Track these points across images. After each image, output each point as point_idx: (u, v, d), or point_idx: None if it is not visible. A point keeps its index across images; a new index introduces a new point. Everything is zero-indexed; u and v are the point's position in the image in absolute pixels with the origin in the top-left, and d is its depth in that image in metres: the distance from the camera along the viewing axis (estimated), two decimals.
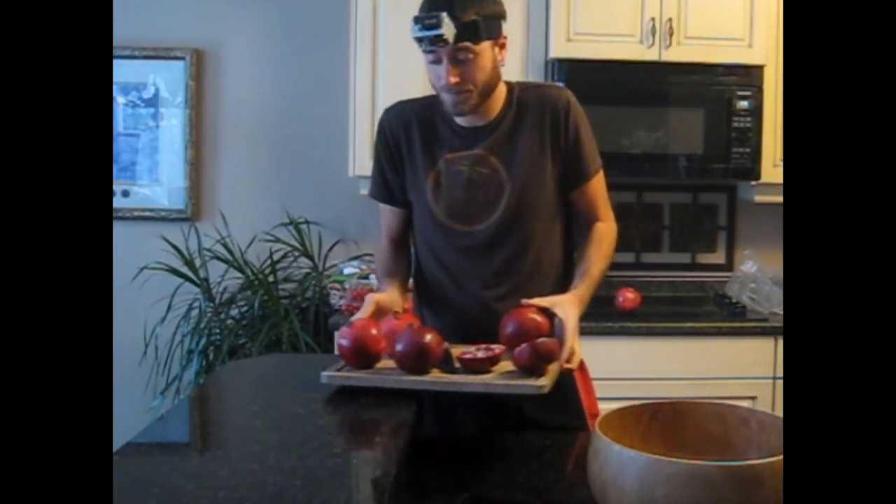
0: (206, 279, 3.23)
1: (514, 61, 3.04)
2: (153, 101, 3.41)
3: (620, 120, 3.07)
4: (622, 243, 3.37)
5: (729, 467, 1.12)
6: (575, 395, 1.91)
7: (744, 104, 3.08)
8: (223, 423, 1.59)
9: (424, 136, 1.91)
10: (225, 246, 3.29)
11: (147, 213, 3.42)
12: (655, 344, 2.96)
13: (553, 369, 1.62)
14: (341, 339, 1.66)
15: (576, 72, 3.03)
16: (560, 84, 2.99)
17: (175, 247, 3.24)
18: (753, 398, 2.93)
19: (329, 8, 3.37)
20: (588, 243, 1.92)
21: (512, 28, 3.02)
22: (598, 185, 1.94)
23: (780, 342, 2.96)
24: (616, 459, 1.15)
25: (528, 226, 1.88)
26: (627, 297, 3.15)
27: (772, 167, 3.15)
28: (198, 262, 3.24)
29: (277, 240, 3.34)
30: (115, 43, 3.15)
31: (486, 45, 1.77)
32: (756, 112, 3.09)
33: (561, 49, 3.05)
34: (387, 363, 1.66)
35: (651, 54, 3.06)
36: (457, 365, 1.64)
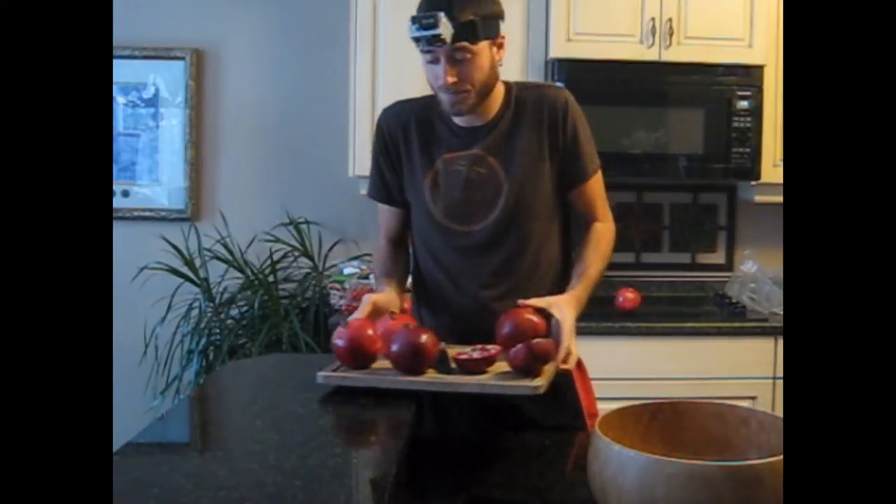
0: (206, 279, 3.23)
1: (514, 61, 3.05)
2: (153, 101, 3.41)
3: (620, 120, 3.07)
4: (622, 243, 3.39)
5: (729, 467, 1.12)
6: (574, 395, 1.91)
7: (744, 104, 3.08)
8: (223, 423, 1.59)
9: (422, 136, 1.91)
10: (225, 246, 3.29)
11: (147, 213, 3.42)
12: (655, 344, 2.96)
13: (549, 370, 1.62)
14: (337, 339, 1.66)
15: (576, 72, 3.03)
16: (560, 84, 2.99)
17: (175, 247, 3.24)
18: (753, 398, 2.93)
19: (329, 8, 3.37)
20: (586, 244, 1.92)
21: (512, 28, 3.05)
22: (596, 186, 1.94)
23: (780, 342, 2.96)
24: (616, 459, 1.15)
25: (526, 226, 1.88)
26: (627, 297, 3.15)
27: (772, 167, 3.15)
28: (198, 262, 3.24)
29: (277, 240, 3.34)
30: (115, 43, 3.15)
31: (483, 45, 1.77)
32: (756, 112, 3.09)
33: (561, 49, 3.05)
34: (383, 363, 1.66)
35: (651, 54, 3.06)
36: (453, 365, 1.64)
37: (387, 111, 1.98)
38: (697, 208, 3.52)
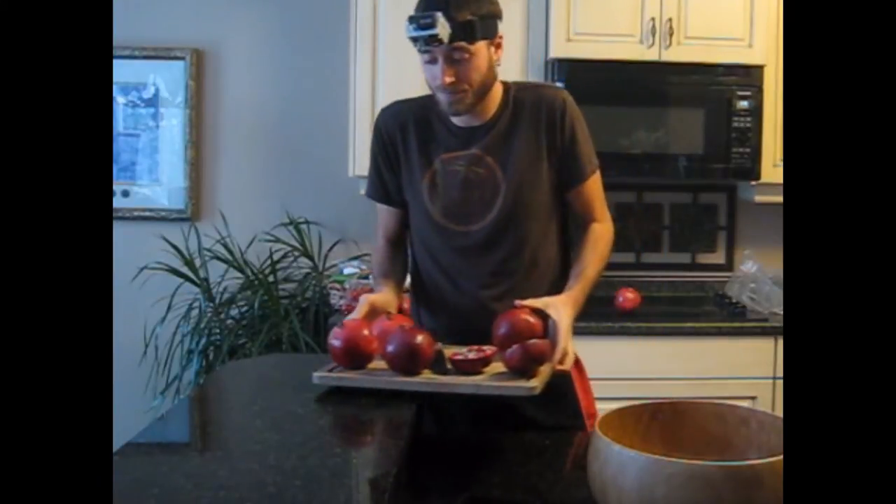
0: (206, 279, 3.23)
1: (514, 61, 3.05)
2: (153, 101, 3.41)
3: (620, 120, 3.07)
4: (622, 243, 3.42)
5: (729, 467, 1.12)
6: (572, 395, 1.91)
7: (744, 104, 3.08)
8: (223, 423, 1.59)
9: (421, 136, 1.91)
10: (225, 246, 3.29)
11: (147, 213, 3.42)
12: (655, 344, 2.96)
13: (545, 370, 1.62)
14: (333, 339, 1.66)
15: (576, 72, 3.03)
16: (559, 84, 2.99)
17: (175, 247, 3.24)
18: (753, 398, 2.93)
19: (329, 8, 3.37)
20: (584, 244, 1.91)
21: (512, 28, 3.05)
22: (594, 186, 1.94)
23: (780, 342, 2.96)
24: (616, 459, 1.15)
25: (525, 226, 1.88)
26: (627, 297, 3.15)
27: (772, 167, 3.15)
28: (198, 262, 3.24)
29: (277, 240, 3.34)
30: (115, 43, 3.15)
31: (481, 45, 1.77)
32: (756, 112, 3.09)
33: (561, 49, 3.05)
34: (379, 364, 1.65)
35: (651, 54, 3.06)
36: (448, 366, 1.64)
37: (385, 111, 1.98)
38: (697, 208, 3.52)
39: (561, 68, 3.04)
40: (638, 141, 3.08)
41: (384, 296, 1.88)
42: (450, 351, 1.66)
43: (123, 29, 3.17)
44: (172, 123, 3.41)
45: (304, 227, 3.38)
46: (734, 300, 3.24)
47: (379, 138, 1.96)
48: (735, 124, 3.08)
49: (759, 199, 3.23)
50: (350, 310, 1.97)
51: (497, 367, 1.64)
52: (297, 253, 3.35)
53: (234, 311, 3.25)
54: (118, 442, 1.28)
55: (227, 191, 3.45)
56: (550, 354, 1.64)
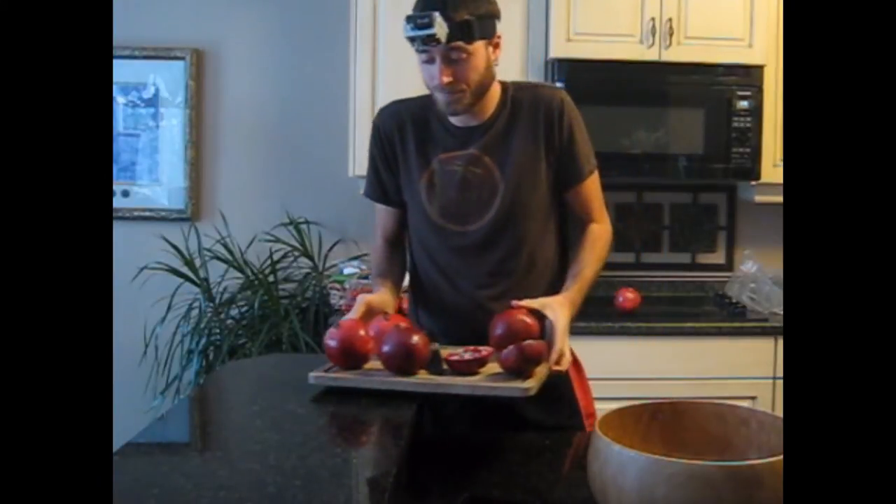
0: (206, 279, 3.23)
1: (514, 61, 3.05)
2: (153, 101, 3.41)
3: (620, 120, 3.07)
4: (622, 243, 3.43)
5: (729, 467, 1.12)
6: (571, 395, 1.91)
7: (744, 104, 3.08)
8: (223, 423, 1.59)
9: (418, 136, 1.91)
10: (225, 246, 3.29)
11: (147, 213, 3.42)
12: (655, 344, 2.96)
13: (540, 371, 1.61)
14: (329, 339, 1.66)
15: (576, 72, 3.03)
16: (559, 84, 2.99)
17: (175, 247, 3.24)
18: (753, 398, 2.93)
19: (329, 8, 3.37)
20: (581, 245, 1.91)
21: (512, 28, 3.05)
22: (592, 186, 1.94)
23: (780, 342, 2.96)
24: (616, 459, 1.15)
25: (522, 226, 1.88)
26: (627, 297, 3.15)
27: (772, 167, 3.15)
28: (198, 262, 3.24)
29: (277, 240, 3.34)
30: (115, 43, 3.14)
31: (479, 45, 1.76)
32: (756, 112, 3.09)
33: (561, 49, 3.05)
34: (376, 364, 1.65)
35: (651, 54, 3.06)
36: (444, 366, 1.63)
37: (383, 111, 1.98)
38: (697, 208, 3.52)
39: (561, 68, 3.04)
40: (638, 141, 3.08)
41: (381, 296, 1.88)
42: (446, 351, 1.66)
43: (123, 29, 3.17)
44: (172, 123, 3.41)
45: (304, 227, 3.38)
46: (734, 300, 3.24)
47: (377, 138, 1.96)
48: (735, 124, 3.08)
49: (759, 199, 3.23)
50: (350, 310, 1.97)
51: (493, 367, 1.64)
52: (297, 253, 3.35)
53: (234, 311, 3.25)
54: (118, 442, 1.28)
55: (227, 191, 3.45)
56: (546, 355, 1.64)
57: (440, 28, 1.69)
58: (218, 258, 3.25)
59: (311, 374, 1.62)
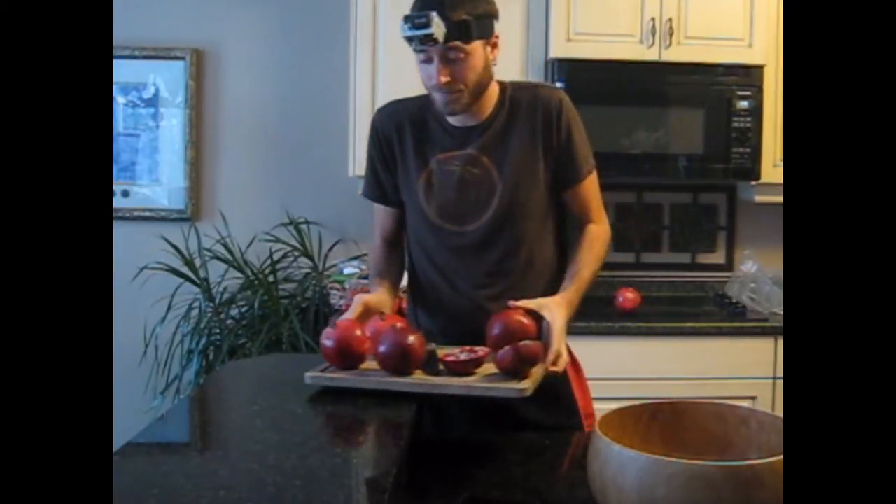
0: (206, 279, 3.23)
1: (514, 61, 3.05)
2: (153, 101, 3.41)
3: (620, 120, 3.07)
4: (622, 243, 3.43)
5: (729, 467, 1.12)
6: (570, 395, 1.91)
7: (744, 104, 3.08)
8: (223, 423, 1.59)
9: (416, 136, 1.91)
10: (225, 246, 3.29)
11: (147, 213, 3.42)
12: (655, 344, 2.96)
13: (536, 372, 1.61)
14: (325, 339, 1.66)
15: (576, 72, 3.03)
16: (559, 84, 2.99)
17: (175, 247, 3.23)
18: (753, 398, 2.93)
19: (329, 8, 3.37)
20: (580, 245, 1.91)
21: (512, 28, 3.05)
22: (590, 186, 1.93)
23: (780, 342, 2.96)
24: (616, 459, 1.15)
25: (520, 226, 1.87)
26: (627, 297, 3.15)
27: (772, 167, 3.15)
28: (198, 262, 3.24)
29: (277, 240, 3.34)
30: (115, 43, 3.14)
31: (477, 45, 1.76)
32: (756, 112, 3.09)
33: (561, 49, 3.05)
34: (372, 364, 1.65)
35: (651, 54, 3.06)
36: (440, 367, 1.63)
37: (381, 111, 1.98)
38: (697, 208, 3.52)
39: (561, 68, 3.04)
40: (638, 141, 3.08)
41: (378, 296, 1.88)
42: (442, 352, 1.65)
43: (123, 29, 3.17)
44: (172, 123, 3.41)
45: (304, 227, 3.38)
46: (734, 300, 3.24)
47: (375, 138, 1.96)
48: (735, 124, 3.08)
49: (759, 199, 3.23)
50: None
51: (489, 367, 1.63)
52: (297, 253, 3.35)
53: (234, 311, 3.25)
54: (118, 442, 1.28)
55: (227, 191, 3.45)
56: (543, 356, 1.63)
57: (438, 28, 1.69)
58: (218, 258, 3.25)
59: (308, 374, 1.62)
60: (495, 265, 1.88)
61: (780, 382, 2.96)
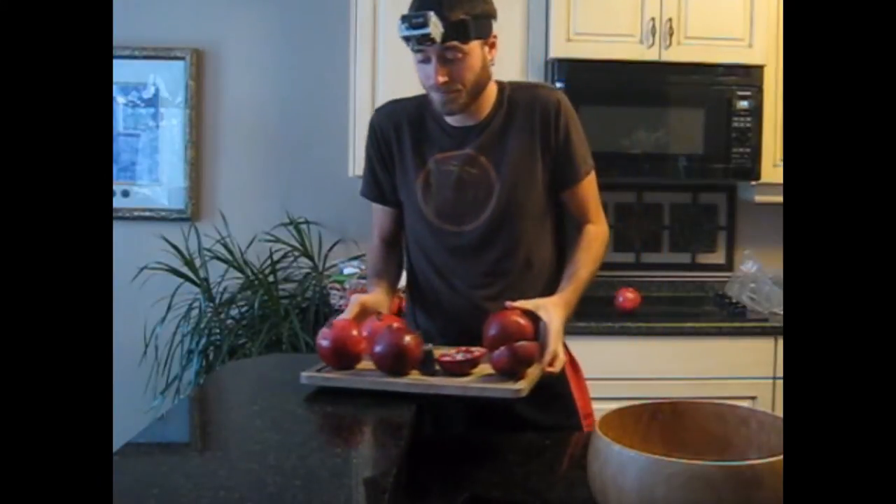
0: (206, 279, 3.22)
1: (514, 61, 3.05)
2: (153, 101, 3.41)
3: (620, 120, 3.07)
4: (622, 243, 3.43)
5: (729, 467, 1.12)
6: (568, 395, 1.91)
7: (744, 104, 3.08)
8: (223, 423, 1.59)
9: (415, 136, 1.90)
10: (225, 246, 3.28)
11: (147, 213, 3.42)
12: (655, 344, 2.96)
13: (533, 373, 1.61)
14: (321, 339, 1.65)
15: (576, 72, 3.03)
16: (559, 84, 2.99)
17: (175, 247, 3.23)
18: (753, 398, 2.93)
19: (329, 8, 3.37)
20: (577, 246, 1.91)
21: (512, 28, 3.06)
22: (589, 187, 1.93)
23: (780, 342, 2.96)
24: (616, 459, 1.15)
25: (518, 226, 1.87)
26: (627, 297, 3.15)
27: (772, 167, 3.15)
28: (198, 262, 3.24)
29: (277, 240, 3.34)
30: (115, 43, 3.14)
31: (475, 45, 1.76)
32: (756, 112, 3.09)
33: (561, 49, 3.05)
34: (368, 364, 1.65)
35: (651, 54, 3.06)
36: (437, 367, 1.63)
37: (379, 111, 1.98)
38: (697, 208, 3.52)
39: (561, 68, 3.04)
40: (638, 141, 3.08)
41: (375, 296, 1.87)
42: (438, 352, 1.65)
43: (123, 29, 3.17)
44: (172, 123, 3.41)
45: (304, 227, 3.38)
46: (734, 300, 3.24)
47: (373, 138, 1.96)
48: (735, 124, 3.08)
49: (759, 199, 3.23)
50: None
51: (486, 368, 1.63)
52: (297, 253, 3.35)
53: (234, 311, 3.25)
54: (118, 442, 1.28)
55: (227, 191, 3.45)
56: (539, 357, 1.63)
57: (435, 28, 1.69)
58: (218, 258, 3.25)
59: (303, 374, 1.62)
60: (493, 265, 1.88)
61: (780, 382, 2.96)
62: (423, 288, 1.95)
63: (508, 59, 3.01)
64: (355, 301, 1.79)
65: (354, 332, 1.66)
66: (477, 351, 1.64)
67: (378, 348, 1.61)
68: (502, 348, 1.59)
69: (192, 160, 3.41)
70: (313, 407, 1.56)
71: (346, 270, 3.21)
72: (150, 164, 3.42)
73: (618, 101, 3.08)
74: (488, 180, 1.86)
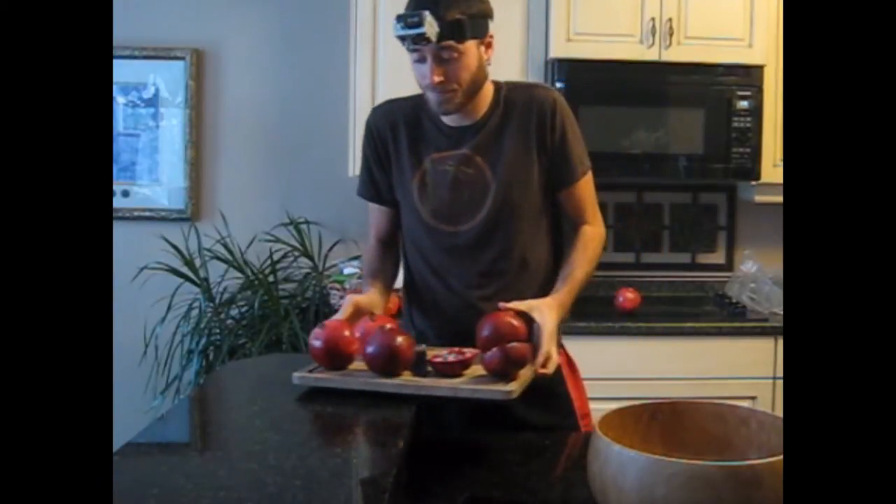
0: (206, 279, 3.23)
1: (514, 61, 3.05)
2: (153, 101, 3.41)
3: (620, 120, 3.07)
4: (622, 243, 3.43)
5: (729, 467, 1.12)
6: (565, 395, 1.91)
7: (744, 104, 3.08)
8: (223, 423, 1.59)
9: (411, 136, 1.90)
10: (225, 246, 3.29)
11: (147, 213, 3.42)
12: (655, 344, 2.96)
13: (524, 374, 1.60)
14: (314, 339, 1.65)
15: (576, 72, 3.03)
16: (559, 84, 2.99)
17: (175, 247, 3.24)
18: (753, 398, 2.93)
19: (329, 8, 3.37)
20: (573, 246, 1.90)
21: (512, 28, 3.06)
22: (585, 187, 1.92)
23: (780, 342, 2.96)
24: (616, 459, 1.15)
25: (514, 226, 1.87)
26: (627, 297, 3.15)
27: (772, 167, 3.16)
28: (198, 262, 3.24)
29: (277, 240, 3.34)
30: (115, 43, 3.15)
31: (471, 45, 1.76)
32: (756, 112, 3.09)
33: (561, 49, 3.05)
34: (360, 365, 1.65)
35: (651, 54, 3.06)
36: (429, 368, 1.63)
37: (376, 110, 1.98)
38: (697, 208, 3.52)
39: (561, 68, 3.04)
40: (638, 141, 3.08)
41: (370, 297, 1.87)
42: (430, 353, 1.65)
43: (123, 29, 3.17)
44: (172, 123, 3.41)
45: (304, 227, 3.38)
46: (734, 300, 3.24)
47: (370, 137, 1.95)
48: (735, 124, 3.08)
49: (759, 199, 3.23)
50: None
51: (478, 369, 1.63)
52: (297, 253, 3.35)
53: (234, 311, 3.25)
54: (118, 442, 1.28)
55: (227, 191, 3.45)
56: (531, 358, 1.63)
57: (430, 27, 1.68)
58: (218, 258, 3.25)
59: (295, 375, 1.62)
60: (489, 265, 1.87)
61: (780, 382, 2.96)
62: (419, 288, 1.95)
63: (508, 59, 3.01)
64: (349, 301, 1.79)
65: (347, 333, 1.66)
66: (469, 352, 1.64)
67: (370, 349, 1.61)
68: (494, 349, 1.58)
69: (192, 160, 3.41)
70: (313, 407, 1.56)
71: (346, 270, 3.21)
72: (150, 164, 3.42)
73: (618, 101, 3.08)
74: (484, 180, 1.85)
